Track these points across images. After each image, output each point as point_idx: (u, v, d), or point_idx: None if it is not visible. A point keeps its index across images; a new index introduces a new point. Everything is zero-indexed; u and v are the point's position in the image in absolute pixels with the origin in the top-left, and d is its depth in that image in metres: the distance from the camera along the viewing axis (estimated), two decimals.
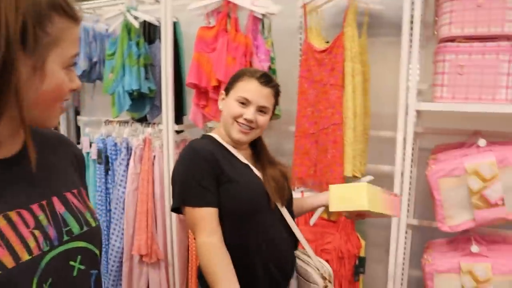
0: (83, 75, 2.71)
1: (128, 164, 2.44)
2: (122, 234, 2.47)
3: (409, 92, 1.87)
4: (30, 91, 0.68)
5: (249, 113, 1.31)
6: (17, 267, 0.67)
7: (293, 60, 2.37)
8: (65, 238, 0.76)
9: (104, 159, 2.53)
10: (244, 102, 1.32)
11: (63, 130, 3.20)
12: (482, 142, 1.83)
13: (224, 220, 1.26)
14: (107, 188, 2.56)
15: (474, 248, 1.92)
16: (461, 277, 1.92)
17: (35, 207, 0.74)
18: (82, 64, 2.66)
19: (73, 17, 0.72)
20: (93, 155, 2.58)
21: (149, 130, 2.44)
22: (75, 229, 0.79)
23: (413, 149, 2.04)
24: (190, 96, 2.40)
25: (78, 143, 3.17)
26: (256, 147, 1.46)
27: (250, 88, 1.33)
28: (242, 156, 1.37)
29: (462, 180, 1.81)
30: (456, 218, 1.88)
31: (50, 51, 0.69)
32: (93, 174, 2.61)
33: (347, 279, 2.19)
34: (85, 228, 0.81)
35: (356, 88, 2.01)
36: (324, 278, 1.38)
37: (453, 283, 1.94)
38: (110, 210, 2.55)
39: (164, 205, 2.41)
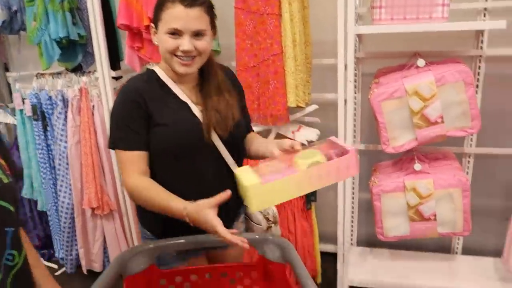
0: (4, 26, 2.48)
1: (66, 117, 2.32)
2: (70, 189, 2.39)
3: (347, 16, 1.82)
4: None
5: (185, 43, 1.19)
6: None
7: None
8: None
9: (40, 115, 2.39)
10: (176, 33, 1.19)
11: None
12: (421, 62, 1.85)
13: (155, 162, 1.24)
14: (48, 145, 2.43)
15: (417, 166, 2.01)
16: (406, 195, 2.02)
17: None
18: (1, 14, 2.42)
19: None
20: (28, 111, 2.42)
21: (84, 79, 2.30)
22: None
23: (355, 75, 2.05)
24: (125, 39, 2.26)
25: (11, 101, 2.98)
26: (203, 75, 1.34)
27: (176, 15, 1.18)
28: (181, 91, 1.29)
29: (403, 102, 1.85)
30: (399, 139, 1.94)
31: None
32: (31, 131, 2.47)
33: (299, 208, 2.25)
34: None
35: (294, 16, 1.95)
36: (267, 219, 1.38)
37: (399, 201, 2.04)
38: (54, 167, 2.45)
39: (109, 155, 2.33)
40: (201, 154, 1.26)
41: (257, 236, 1.18)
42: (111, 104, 2.23)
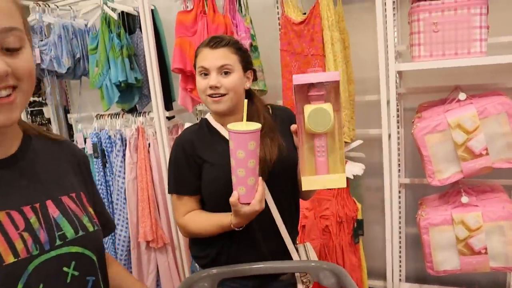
0: (68, 73, 2.72)
1: (124, 154, 2.49)
2: (127, 223, 2.54)
3: (388, 54, 1.92)
4: None
5: (212, 79, 1.28)
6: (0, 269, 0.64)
7: (274, 35, 2.40)
8: (58, 242, 0.73)
9: (100, 153, 2.58)
10: (205, 73, 1.30)
11: (55, 130, 3.23)
12: (462, 95, 1.90)
13: (206, 204, 1.37)
14: (106, 181, 2.61)
15: (464, 199, 2.01)
16: (454, 228, 2.01)
17: (26, 209, 0.72)
18: (66, 62, 2.66)
19: None
20: (89, 150, 2.62)
21: (140, 119, 2.48)
22: (69, 233, 0.76)
23: (398, 110, 2.11)
24: (177, 82, 2.44)
25: (72, 140, 3.22)
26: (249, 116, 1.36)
27: (204, 57, 1.31)
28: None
29: (447, 135, 1.88)
30: (444, 172, 1.96)
31: None
32: (91, 168, 2.66)
33: (347, 242, 2.27)
34: (80, 233, 0.78)
35: (337, 56, 2.06)
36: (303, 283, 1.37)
37: (447, 234, 2.03)
38: (112, 201, 2.61)
39: (164, 191, 2.47)
40: None
41: (312, 264, 1.25)
42: (166, 142, 2.39)
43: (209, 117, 1.41)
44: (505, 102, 1.81)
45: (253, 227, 1.29)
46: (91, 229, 0.80)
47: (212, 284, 1.23)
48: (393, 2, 1.91)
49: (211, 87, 1.28)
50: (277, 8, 2.37)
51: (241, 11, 2.26)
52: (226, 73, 1.29)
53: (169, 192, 1.39)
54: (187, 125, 2.38)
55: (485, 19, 1.76)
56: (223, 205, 1.22)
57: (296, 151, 1.21)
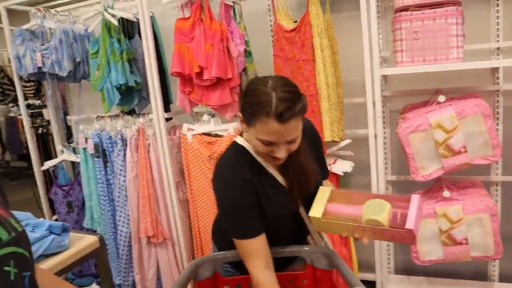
0: (69, 76, 2.82)
1: (125, 154, 2.61)
2: (128, 219, 2.65)
3: (373, 60, 2.06)
4: None
5: (279, 152, 1.18)
6: None
7: (267, 40, 2.54)
8: None
9: (102, 152, 2.69)
10: (269, 144, 1.19)
11: (54, 130, 3.32)
12: (442, 98, 2.05)
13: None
14: (107, 180, 2.72)
15: (446, 193, 2.16)
16: (437, 220, 2.16)
17: None
18: (67, 65, 2.75)
19: None
20: (90, 149, 2.72)
21: (140, 120, 2.60)
22: (4, 236, 0.80)
23: (383, 112, 2.26)
24: (174, 85, 2.56)
25: (70, 142, 3.32)
26: None
27: (270, 131, 1.13)
28: (270, 164, 1.31)
29: (429, 134, 2.03)
30: (427, 168, 2.10)
31: None
32: (92, 167, 2.77)
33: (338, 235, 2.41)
34: (12, 234, 0.82)
35: (326, 61, 2.20)
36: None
37: (431, 227, 2.18)
38: (113, 199, 2.72)
39: (163, 189, 2.58)
40: (287, 221, 1.36)
41: (306, 248, 1.38)
42: (165, 142, 2.51)
43: (248, 147, 1.32)
44: (480, 104, 1.96)
45: (284, 234, 1.37)
46: (19, 229, 0.85)
47: (214, 267, 1.36)
48: (378, 11, 2.05)
49: (277, 158, 1.21)
50: (270, 15, 2.51)
51: (236, 19, 2.39)
52: (292, 142, 1.20)
53: (233, 237, 1.29)
54: (185, 126, 2.51)
55: (461, 28, 1.91)
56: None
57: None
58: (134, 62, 2.62)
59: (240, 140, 1.34)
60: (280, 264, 1.36)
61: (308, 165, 1.32)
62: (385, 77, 2.43)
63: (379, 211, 1.18)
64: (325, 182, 1.53)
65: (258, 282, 1.22)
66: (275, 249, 1.32)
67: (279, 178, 1.32)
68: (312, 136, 1.43)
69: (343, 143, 2.43)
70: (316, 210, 1.25)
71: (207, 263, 1.36)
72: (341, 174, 2.40)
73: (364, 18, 2.06)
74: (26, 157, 4.42)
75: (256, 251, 1.25)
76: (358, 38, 2.14)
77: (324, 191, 1.30)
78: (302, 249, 1.37)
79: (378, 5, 2.07)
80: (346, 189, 1.39)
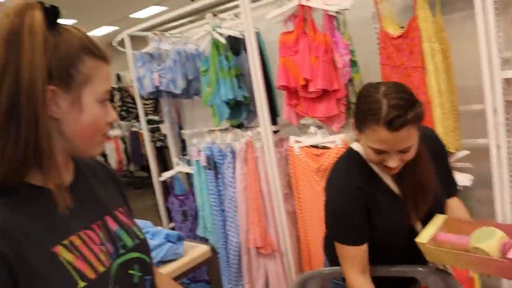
0: (183, 93, 3.03)
1: (234, 166, 2.71)
2: (238, 230, 2.74)
3: (492, 61, 1.88)
4: (71, 123, 0.78)
5: (391, 162, 1.15)
6: (98, 278, 0.77)
7: (373, 48, 2.45)
8: (121, 251, 0.86)
9: (213, 165, 2.83)
10: (380, 153, 1.16)
11: (171, 143, 3.58)
12: None
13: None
14: (219, 191, 2.85)
15: None
16: None
17: (95, 226, 0.84)
18: (181, 83, 2.96)
19: (102, 58, 0.81)
20: (202, 162, 2.87)
21: (249, 133, 2.68)
22: (129, 242, 0.89)
23: (507, 118, 2.04)
24: (280, 98, 2.60)
25: (184, 154, 3.55)
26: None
27: (380, 139, 1.11)
28: (387, 175, 1.28)
29: None
30: None
31: (84, 88, 0.78)
32: (205, 179, 2.91)
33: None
34: (136, 241, 0.91)
35: (438, 66, 2.05)
36: None
37: None
38: (223, 210, 2.84)
39: (272, 200, 2.62)
40: (401, 236, 1.30)
41: (420, 269, 1.30)
42: (272, 155, 2.55)
43: (364, 155, 1.29)
44: None
45: (399, 251, 1.32)
46: (142, 236, 0.94)
47: (322, 282, 1.34)
48: (496, 8, 1.87)
49: (389, 167, 1.18)
50: (375, 22, 2.42)
51: (340, 29, 2.35)
52: (405, 151, 1.15)
53: (336, 241, 1.30)
54: (292, 138, 2.53)
55: None
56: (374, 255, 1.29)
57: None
58: (242, 77, 2.71)
59: (355, 146, 1.33)
60: (398, 286, 1.32)
61: (426, 178, 1.25)
62: (507, 80, 2.21)
63: (488, 237, 1.06)
64: (452, 200, 1.42)
65: (350, 284, 1.26)
66: (385, 267, 1.27)
67: (394, 188, 1.28)
68: (435, 147, 1.35)
69: (460, 154, 2.24)
70: (423, 235, 1.17)
71: (316, 278, 1.35)
72: (460, 188, 2.21)
73: (480, 15, 1.88)
74: (147, 168, 4.82)
75: (352, 258, 1.27)
76: (473, 39, 1.96)
77: (439, 218, 1.23)
78: (418, 270, 1.29)
79: (495, 1, 1.88)
80: (466, 218, 1.26)
